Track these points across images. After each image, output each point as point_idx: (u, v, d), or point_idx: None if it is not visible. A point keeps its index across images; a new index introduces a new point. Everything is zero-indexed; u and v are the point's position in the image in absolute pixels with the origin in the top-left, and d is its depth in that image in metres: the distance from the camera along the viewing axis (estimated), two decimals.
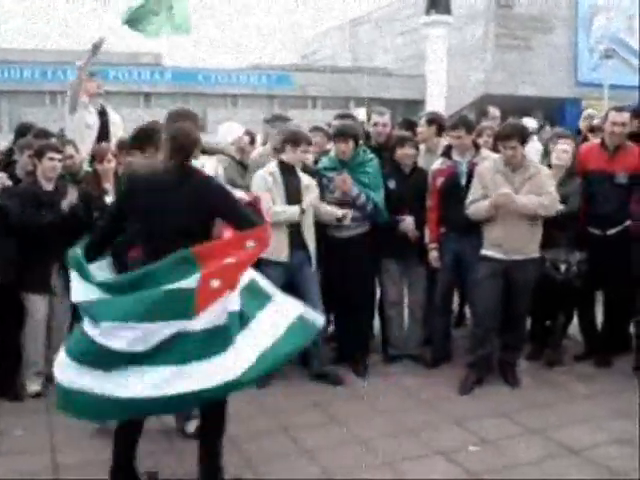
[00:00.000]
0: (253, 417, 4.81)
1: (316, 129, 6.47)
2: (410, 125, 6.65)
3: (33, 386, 5.24)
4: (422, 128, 6.34)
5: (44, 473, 4.07)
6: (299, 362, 5.54)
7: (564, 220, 5.52)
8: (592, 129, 7.07)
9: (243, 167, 6.03)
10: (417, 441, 4.40)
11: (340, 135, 5.75)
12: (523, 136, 5.33)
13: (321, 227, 5.60)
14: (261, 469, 4.11)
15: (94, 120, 6.79)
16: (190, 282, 3.31)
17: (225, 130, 6.36)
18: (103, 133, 6.79)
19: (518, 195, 5.20)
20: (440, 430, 4.62)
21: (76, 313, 5.90)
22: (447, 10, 19.51)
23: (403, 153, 5.81)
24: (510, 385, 5.41)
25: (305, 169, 5.59)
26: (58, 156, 5.37)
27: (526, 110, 17.27)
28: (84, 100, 6.78)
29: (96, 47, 6.70)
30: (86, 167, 5.98)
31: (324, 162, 5.96)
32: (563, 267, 5.59)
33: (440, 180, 5.70)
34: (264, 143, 6.43)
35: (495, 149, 5.64)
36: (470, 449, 4.34)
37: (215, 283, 3.34)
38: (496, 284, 5.31)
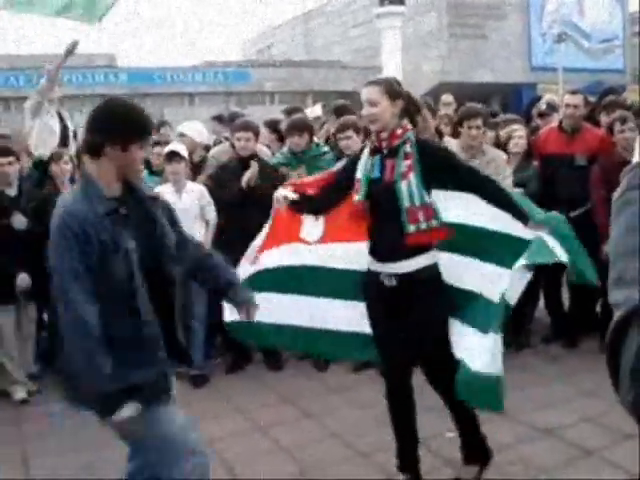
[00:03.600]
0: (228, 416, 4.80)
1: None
2: (341, 112, 6.49)
3: (18, 393, 5.26)
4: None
5: None
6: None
7: None
8: (541, 114, 7.16)
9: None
10: (390, 431, 4.40)
11: (294, 128, 5.74)
12: (486, 118, 5.38)
13: None
14: (238, 469, 4.10)
15: (56, 124, 6.68)
16: None
17: (193, 131, 6.35)
18: (63, 137, 6.70)
19: None
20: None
21: (42, 321, 5.89)
22: (400, 0, 19.58)
23: (346, 140, 5.51)
24: None
25: (262, 165, 5.59)
26: (7, 159, 5.27)
27: (483, 97, 17.41)
28: (46, 105, 6.68)
29: (69, 51, 6.53)
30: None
31: (278, 157, 5.95)
32: None
33: None
34: (216, 141, 6.50)
35: (454, 136, 5.67)
36: (447, 435, 4.36)
37: None
38: None
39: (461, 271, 3.61)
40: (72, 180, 5.58)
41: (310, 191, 3.85)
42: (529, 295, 6.18)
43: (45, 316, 5.94)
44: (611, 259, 1.25)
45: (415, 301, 3.49)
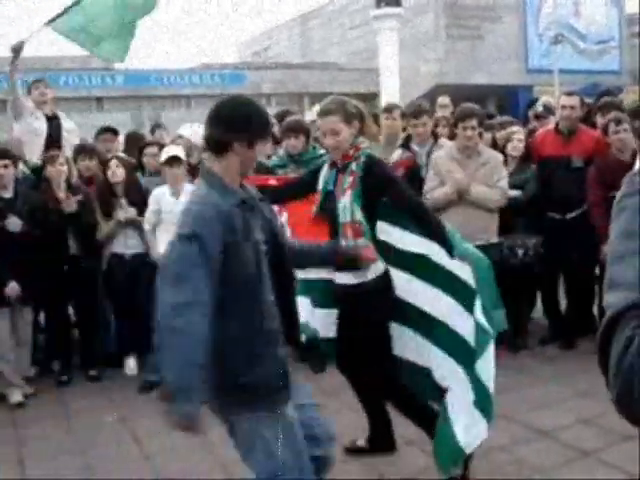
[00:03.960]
0: None
1: None
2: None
3: (15, 397, 5.25)
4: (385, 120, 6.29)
5: None
6: None
7: (521, 206, 5.59)
8: (537, 116, 7.17)
9: None
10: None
11: (290, 130, 5.74)
12: (481, 119, 5.39)
13: None
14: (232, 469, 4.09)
15: (41, 126, 6.66)
16: None
17: (193, 133, 6.32)
18: (54, 139, 6.67)
19: (473, 183, 5.26)
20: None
21: (37, 324, 5.89)
22: (397, 2, 19.60)
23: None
24: None
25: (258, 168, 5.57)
26: (2, 162, 5.28)
27: (479, 99, 17.41)
28: (30, 106, 6.67)
29: (16, 51, 6.48)
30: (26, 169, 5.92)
31: (274, 160, 5.95)
32: (520, 251, 5.65)
33: (400, 172, 5.71)
34: None
35: (452, 138, 5.68)
36: None
37: None
38: None
39: (420, 295, 3.70)
40: (67, 182, 5.58)
41: (273, 182, 4.08)
42: (526, 297, 6.22)
43: (41, 319, 5.96)
44: (607, 262, 1.29)
45: (357, 306, 3.70)
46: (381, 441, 4.09)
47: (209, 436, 4.24)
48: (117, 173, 5.66)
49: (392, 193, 3.62)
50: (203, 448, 4.21)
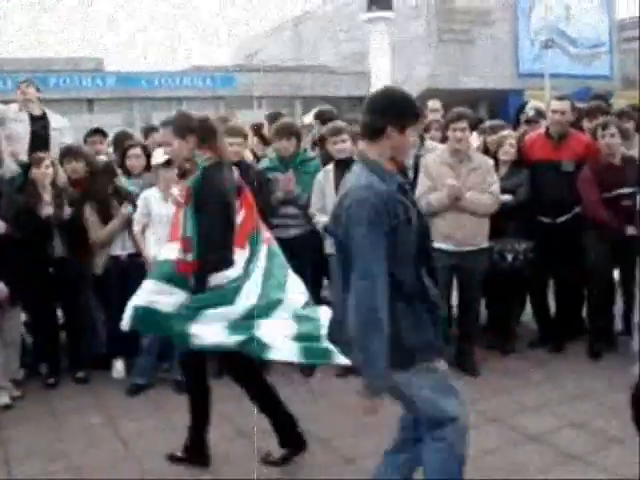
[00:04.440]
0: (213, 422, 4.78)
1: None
2: (325, 118, 6.46)
3: (2, 399, 5.21)
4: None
5: None
6: None
7: (512, 210, 5.59)
8: (528, 120, 7.17)
9: None
10: (379, 436, 4.37)
11: (282, 132, 5.71)
12: (472, 122, 5.38)
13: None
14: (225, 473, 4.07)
15: (24, 129, 6.62)
16: None
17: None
18: (42, 140, 6.62)
19: (465, 188, 5.25)
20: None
21: (27, 326, 5.85)
22: (389, 6, 19.63)
23: (341, 143, 5.51)
24: (469, 374, 5.42)
25: (248, 169, 5.52)
26: None
27: (471, 103, 17.44)
28: (14, 108, 6.63)
29: None
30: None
31: (265, 162, 5.93)
32: (510, 256, 5.64)
33: None
34: None
35: (444, 141, 5.68)
36: None
37: None
38: (446, 276, 5.30)
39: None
40: (53, 184, 5.53)
41: None
42: (515, 300, 6.21)
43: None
44: None
45: None
46: (293, 440, 4.09)
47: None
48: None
49: (205, 207, 3.78)
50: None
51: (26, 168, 5.66)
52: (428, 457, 3.04)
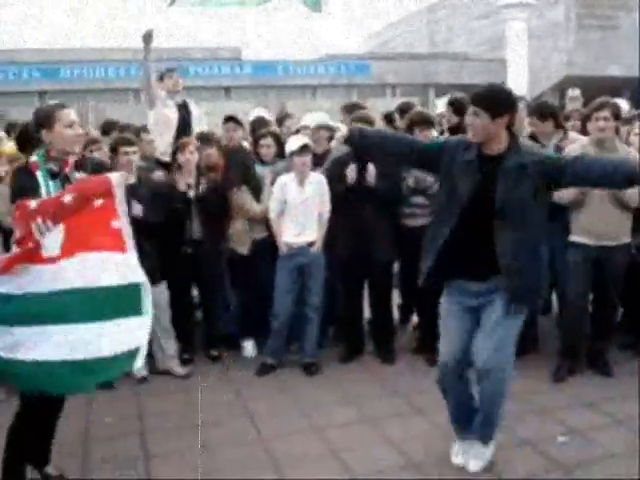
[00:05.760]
0: (340, 406, 4.86)
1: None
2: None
3: (142, 371, 5.37)
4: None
5: None
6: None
7: None
8: None
9: None
10: (504, 431, 4.32)
11: (422, 122, 5.69)
12: (616, 111, 5.14)
13: (394, 216, 5.66)
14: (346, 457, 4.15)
15: (173, 115, 6.92)
16: None
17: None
18: (184, 127, 6.91)
19: None
20: (526, 420, 4.56)
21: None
22: None
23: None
24: (601, 374, 5.26)
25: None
26: (132, 149, 5.47)
27: (612, 91, 16.71)
28: (162, 95, 6.94)
29: (146, 39, 6.79)
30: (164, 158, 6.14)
31: None
32: None
33: None
34: None
35: (584, 132, 5.48)
36: (559, 439, 4.27)
37: None
38: (586, 271, 5.16)
39: None
40: (198, 169, 5.74)
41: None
42: None
43: None
44: None
45: None
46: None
47: (323, 423, 4.33)
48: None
49: None
50: (314, 432, 4.31)
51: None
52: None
